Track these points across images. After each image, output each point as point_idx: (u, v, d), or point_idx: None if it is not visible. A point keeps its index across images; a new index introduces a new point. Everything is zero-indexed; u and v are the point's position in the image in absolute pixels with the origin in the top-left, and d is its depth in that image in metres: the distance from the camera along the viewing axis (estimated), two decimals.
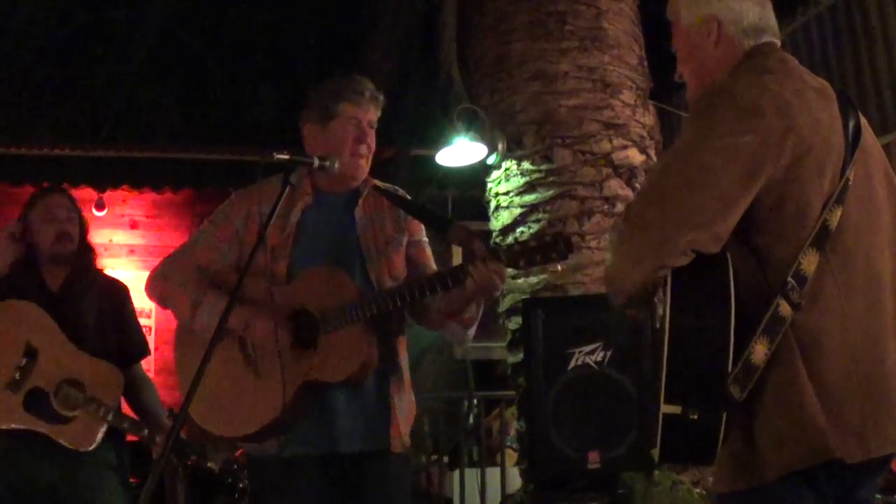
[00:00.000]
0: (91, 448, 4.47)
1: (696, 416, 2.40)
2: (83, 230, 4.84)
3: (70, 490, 4.52)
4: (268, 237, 3.62)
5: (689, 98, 2.98)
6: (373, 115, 3.82)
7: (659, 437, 2.48)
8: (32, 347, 4.52)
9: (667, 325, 2.44)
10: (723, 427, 2.43)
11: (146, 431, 4.51)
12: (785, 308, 2.45)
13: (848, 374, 2.50)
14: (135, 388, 4.85)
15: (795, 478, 2.49)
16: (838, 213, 2.55)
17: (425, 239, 3.84)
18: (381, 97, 3.87)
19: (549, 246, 3.30)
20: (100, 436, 4.50)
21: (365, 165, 3.83)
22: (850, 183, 2.60)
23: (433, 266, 3.78)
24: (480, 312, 3.59)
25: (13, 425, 4.46)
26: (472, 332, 3.65)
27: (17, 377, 4.48)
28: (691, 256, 2.44)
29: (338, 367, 3.52)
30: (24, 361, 4.49)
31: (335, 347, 3.53)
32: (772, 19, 2.88)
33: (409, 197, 3.93)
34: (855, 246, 2.60)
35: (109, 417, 4.47)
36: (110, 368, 4.57)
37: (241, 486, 6.84)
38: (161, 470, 3.02)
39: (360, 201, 3.81)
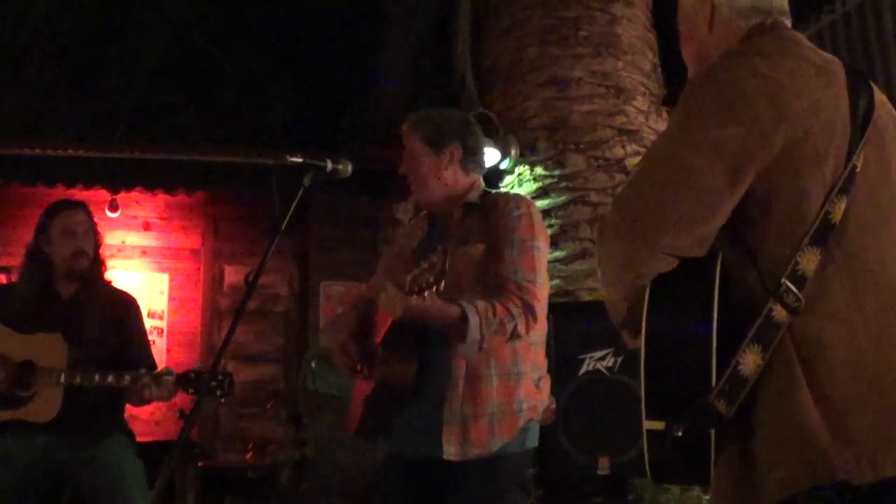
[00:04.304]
0: (55, 415, 4.57)
1: (680, 434, 2.18)
2: (97, 245, 4.99)
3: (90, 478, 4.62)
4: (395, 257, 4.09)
5: None
6: (409, 141, 3.95)
7: (646, 455, 2.26)
8: None
9: (643, 333, 2.25)
10: (713, 445, 2.20)
11: (97, 377, 4.54)
12: (780, 313, 2.20)
13: (857, 385, 2.21)
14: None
15: (801, 499, 2.19)
16: (842, 204, 2.28)
17: (508, 245, 3.73)
18: (414, 119, 3.98)
19: (428, 270, 3.30)
20: (60, 400, 4.58)
21: (415, 190, 3.97)
22: (857, 170, 2.32)
23: (505, 273, 3.68)
24: (474, 328, 3.51)
25: None
26: (469, 344, 3.55)
27: None
28: (673, 262, 2.26)
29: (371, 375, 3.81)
30: None
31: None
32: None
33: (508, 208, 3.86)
34: (864, 240, 2.31)
35: (62, 379, 4.56)
36: (52, 338, 4.67)
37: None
38: (171, 470, 3.02)
39: (452, 218, 3.93)
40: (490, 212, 3.83)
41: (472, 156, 3.93)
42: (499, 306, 3.56)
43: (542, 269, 3.75)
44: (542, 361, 3.89)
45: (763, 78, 2.31)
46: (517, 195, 3.99)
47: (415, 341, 3.69)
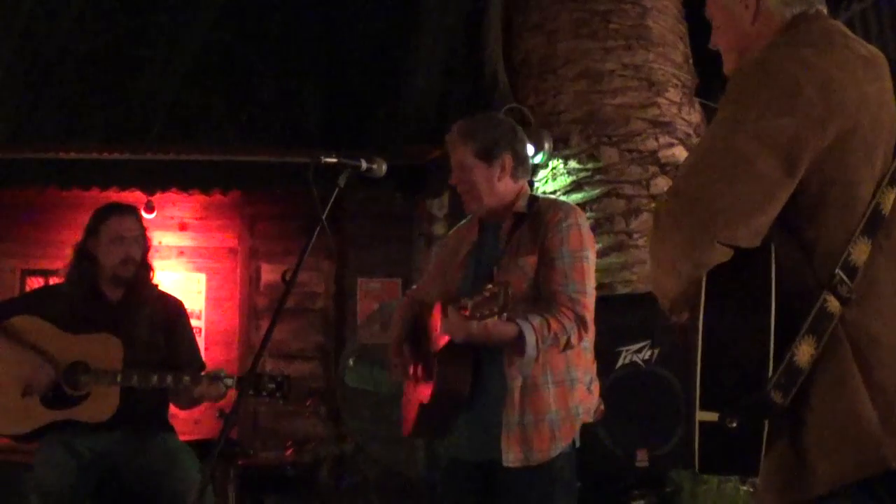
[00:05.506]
0: (110, 416, 4.62)
1: (734, 424, 2.17)
2: (145, 251, 5.00)
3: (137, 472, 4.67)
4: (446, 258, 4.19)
5: (727, 72, 2.67)
6: (459, 154, 3.96)
7: (696, 446, 2.26)
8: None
9: (700, 325, 2.23)
10: (765, 436, 2.20)
11: (155, 378, 4.60)
12: (833, 304, 2.19)
13: None
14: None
15: (851, 491, 2.19)
16: (892, 195, 2.28)
17: (559, 256, 3.82)
18: (462, 129, 4.00)
19: (490, 300, 3.41)
20: (116, 401, 4.62)
21: (468, 201, 3.99)
22: None
23: (556, 286, 3.79)
24: (531, 346, 3.65)
25: (38, 425, 4.65)
26: (527, 360, 3.71)
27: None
28: (729, 252, 2.22)
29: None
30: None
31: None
32: None
33: (558, 214, 3.93)
34: None
35: (118, 379, 4.60)
36: (106, 338, 4.71)
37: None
38: (211, 471, 3.06)
39: (502, 228, 3.97)
40: (539, 222, 3.90)
41: (521, 164, 3.98)
42: (553, 321, 3.69)
43: (591, 278, 3.88)
44: (592, 364, 4.00)
45: (814, 68, 2.28)
46: (564, 203, 4.05)
47: (471, 351, 3.79)
